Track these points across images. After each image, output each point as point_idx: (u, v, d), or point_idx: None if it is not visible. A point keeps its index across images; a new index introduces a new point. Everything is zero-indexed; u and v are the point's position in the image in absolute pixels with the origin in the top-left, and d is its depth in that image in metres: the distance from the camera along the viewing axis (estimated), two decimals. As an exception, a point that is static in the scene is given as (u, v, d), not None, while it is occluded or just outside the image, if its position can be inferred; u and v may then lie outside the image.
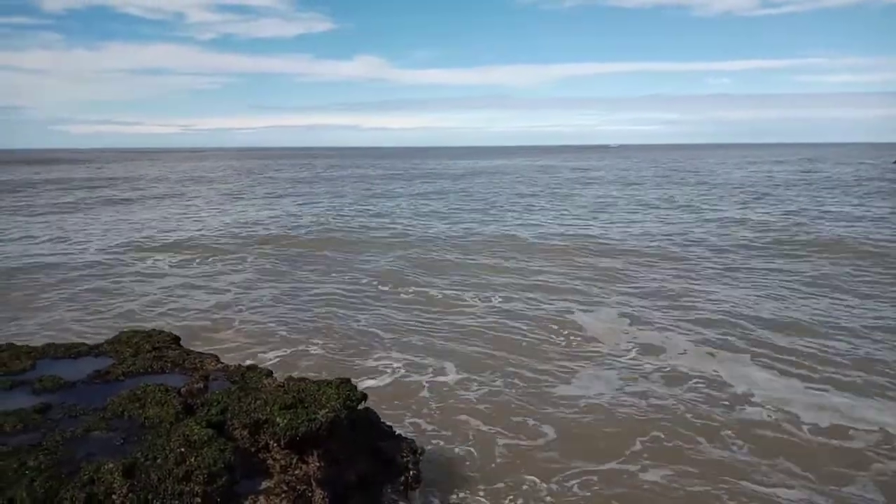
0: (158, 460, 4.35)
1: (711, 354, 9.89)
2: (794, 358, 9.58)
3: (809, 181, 49.65)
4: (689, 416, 7.67)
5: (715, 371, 9.15)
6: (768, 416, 7.65)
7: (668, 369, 9.31)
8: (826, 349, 9.99)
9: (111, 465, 4.14)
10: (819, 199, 34.74)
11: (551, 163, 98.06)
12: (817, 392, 8.34)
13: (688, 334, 10.89)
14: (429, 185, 50.74)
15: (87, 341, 7.27)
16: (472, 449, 7.01)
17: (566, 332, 11.07)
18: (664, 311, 12.41)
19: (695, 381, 8.80)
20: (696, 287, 14.49)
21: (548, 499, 6.05)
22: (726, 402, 8.04)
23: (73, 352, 6.57)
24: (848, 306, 12.54)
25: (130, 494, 4.03)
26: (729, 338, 10.63)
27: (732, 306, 12.63)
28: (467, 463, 6.75)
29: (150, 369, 6.13)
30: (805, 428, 7.32)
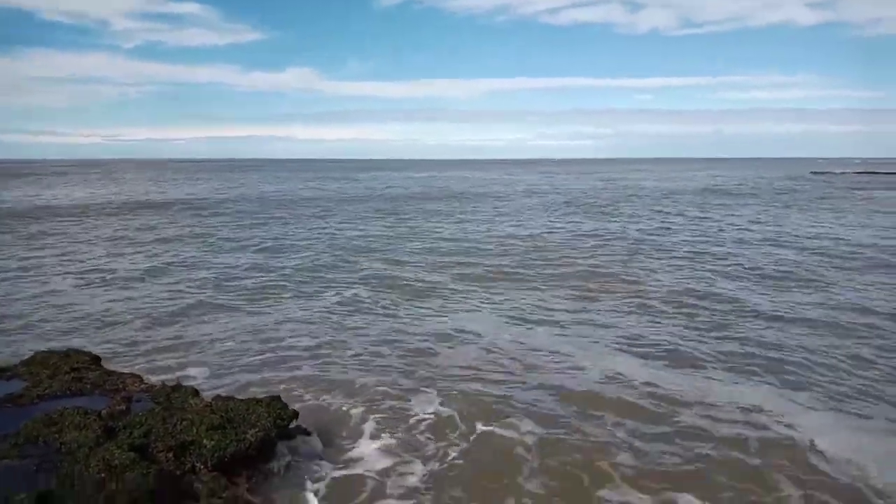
0: (76, 487, 4.16)
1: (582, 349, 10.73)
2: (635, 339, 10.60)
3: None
4: (563, 379, 8.75)
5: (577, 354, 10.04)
6: (605, 377, 8.86)
7: (532, 348, 10.19)
8: (664, 339, 10.81)
9: (23, 496, 3.94)
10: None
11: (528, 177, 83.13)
12: (652, 368, 9.39)
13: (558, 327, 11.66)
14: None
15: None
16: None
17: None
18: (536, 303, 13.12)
19: (553, 358, 9.77)
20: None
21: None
22: (586, 375, 9.08)
23: (-17, 375, 6.22)
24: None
25: (45, 525, 3.84)
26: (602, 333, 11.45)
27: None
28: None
29: (68, 391, 5.87)
30: (635, 389, 8.46)
